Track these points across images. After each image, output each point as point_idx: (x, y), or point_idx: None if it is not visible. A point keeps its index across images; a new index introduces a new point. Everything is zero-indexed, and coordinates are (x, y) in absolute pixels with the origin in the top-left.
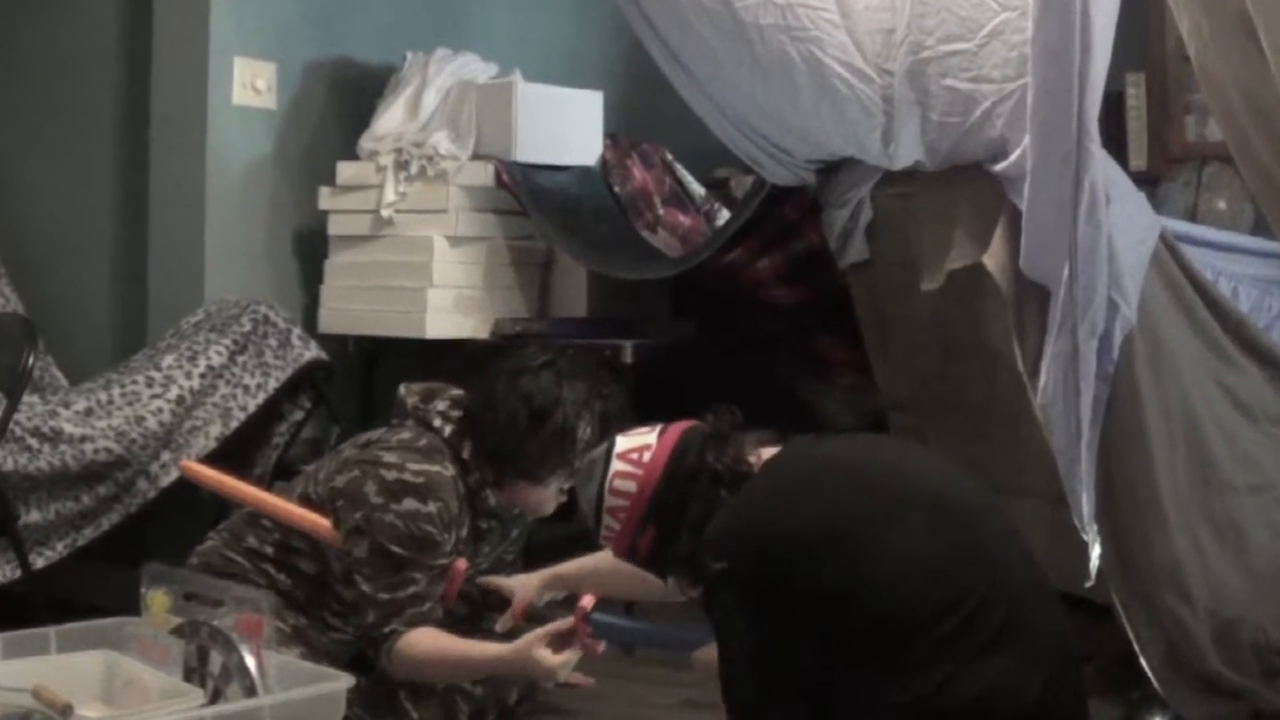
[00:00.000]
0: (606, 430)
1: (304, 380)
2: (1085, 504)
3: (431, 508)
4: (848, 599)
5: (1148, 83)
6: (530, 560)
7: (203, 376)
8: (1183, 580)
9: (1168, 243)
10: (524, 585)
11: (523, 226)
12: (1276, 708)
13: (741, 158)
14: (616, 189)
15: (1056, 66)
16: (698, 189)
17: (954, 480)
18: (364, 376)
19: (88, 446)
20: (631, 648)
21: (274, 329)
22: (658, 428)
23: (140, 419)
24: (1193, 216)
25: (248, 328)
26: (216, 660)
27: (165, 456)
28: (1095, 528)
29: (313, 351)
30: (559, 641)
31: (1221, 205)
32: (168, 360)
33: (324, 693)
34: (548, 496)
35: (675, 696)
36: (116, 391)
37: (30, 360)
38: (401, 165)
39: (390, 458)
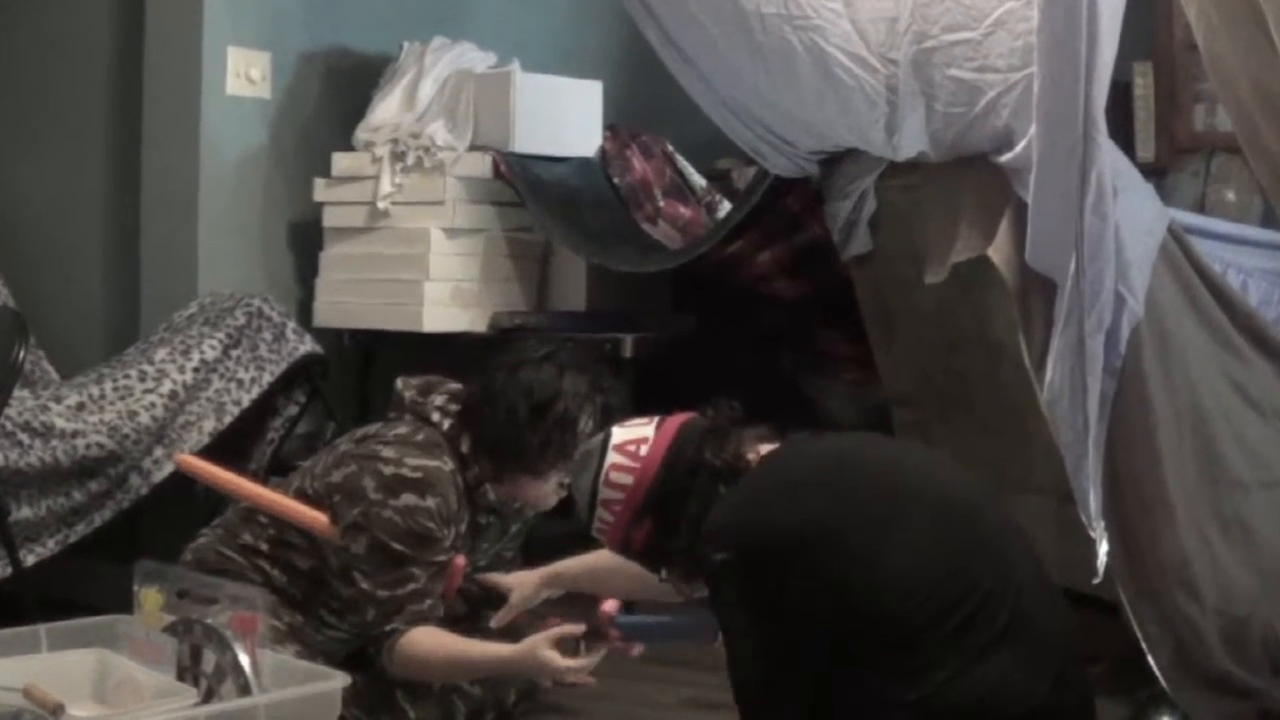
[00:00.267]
0: (608, 423)
1: (299, 374)
2: (1092, 500)
3: (430, 503)
4: (849, 594)
5: (1155, 72)
6: (530, 557)
7: (196, 371)
8: (1191, 578)
9: (1176, 235)
10: (521, 583)
11: (521, 218)
12: None
13: (743, 148)
14: (616, 180)
15: (1062, 56)
16: (698, 180)
17: (956, 479)
18: (360, 371)
19: (79, 442)
20: (659, 642)
21: (268, 322)
22: (655, 420)
23: (133, 414)
24: (1201, 208)
25: (242, 321)
26: (210, 659)
27: (158, 452)
28: (1102, 524)
29: (307, 345)
30: (565, 644)
31: (1230, 196)
32: (160, 354)
33: (319, 692)
34: (548, 491)
35: (676, 696)
36: (109, 386)
37: (21, 354)
38: (398, 156)
39: (388, 452)
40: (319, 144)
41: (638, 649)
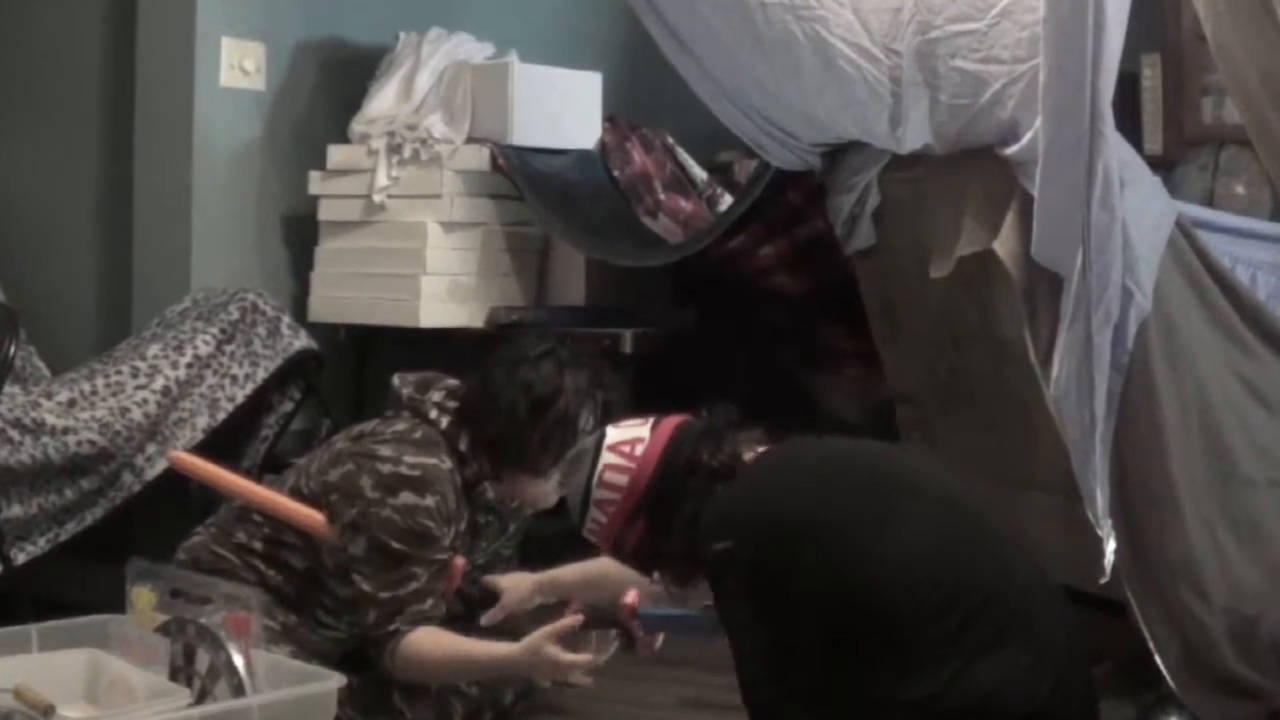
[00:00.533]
0: (608, 420)
1: (293, 370)
2: (1099, 498)
3: (429, 501)
4: (848, 585)
5: (1163, 63)
6: (528, 555)
7: (189, 366)
8: (1199, 577)
9: (1184, 229)
10: (515, 586)
11: (519, 212)
12: None
13: (745, 141)
14: (616, 173)
15: (1069, 47)
16: (699, 173)
17: (956, 481)
18: (355, 366)
19: (70, 438)
20: (680, 634)
21: (262, 317)
22: (649, 421)
23: (125, 410)
24: (1209, 201)
25: (235, 316)
26: (203, 659)
27: (150, 449)
28: (1109, 523)
29: (302, 341)
30: (568, 640)
31: (1239, 190)
32: (153, 350)
33: (314, 692)
34: (548, 490)
35: (675, 696)
36: (100, 382)
37: (11, 350)
38: (394, 149)
39: (385, 450)
40: (314, 136)
41: (658, 642)
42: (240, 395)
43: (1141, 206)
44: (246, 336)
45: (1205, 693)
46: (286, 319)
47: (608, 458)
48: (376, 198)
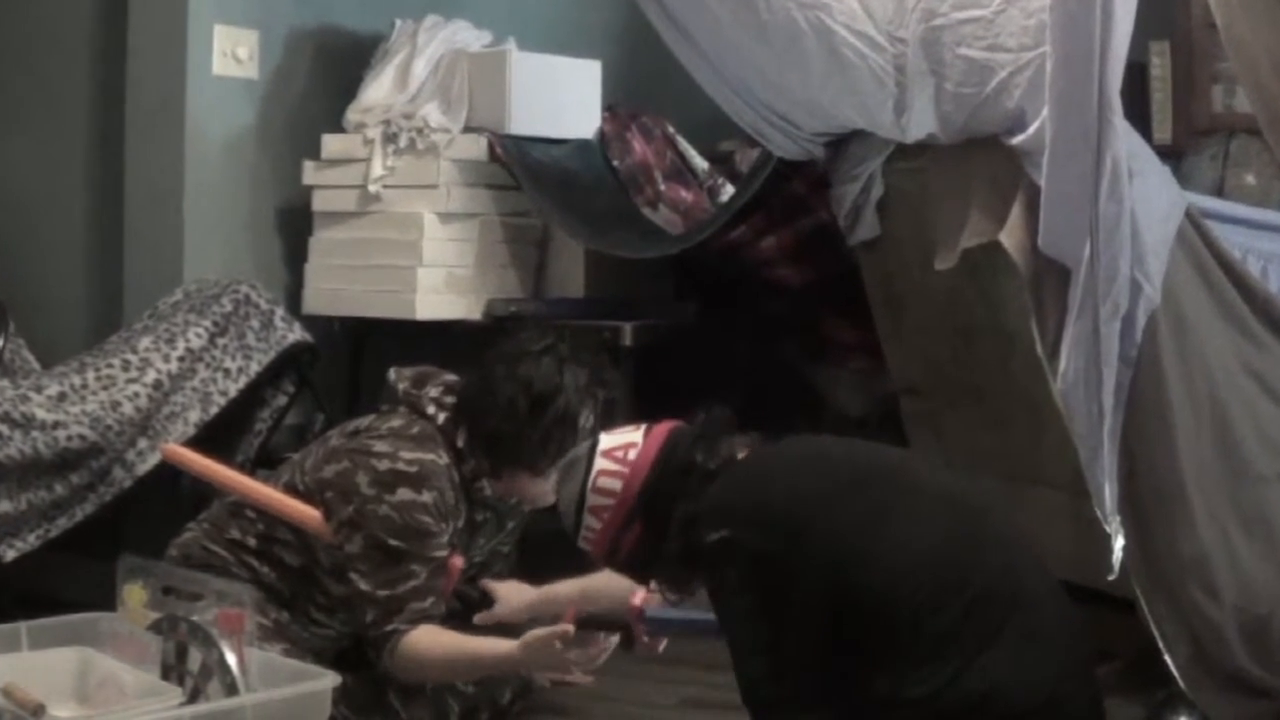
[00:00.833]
0: (609, 418)
1: (287, 364)
2: (1107, 494)
3: (426, 498)
4: (846, 580)
5: (1173, 51)
6: (526, 554)
7: (181, 360)
8: (1209, 574)
9: (1193, 219)
10: (511, 597)
11: (517, 202)
12: None
13: (746, 130)
14: (615, 163)
15: (1076, 35)
16: (700, 163)
17: (954, 479)
18: (350, 360)
19: (61, 433)
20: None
21: (256, 310)
22: (642, 427)
23: (116, 404)
24: (1220, 191)
25: (228, 308)
26: (196, 657)
27: (142, 443)
28: (1118, 519)
29: (296, 334)
30: (570, 642)
31: (1250, 180)
32: (144, 343)
33: (309, 691)
34: (547, 488)
35: (675, 696)
36: (91, 375)
37: (0, 342)
38: (390, 138)
39: (381, 446)
40: (308, 125)
41: (662, 646)
42: (233, 389)
43: (1150, 197)
44: (239, 329)
45: (1215, 691)
46: (280, 311)
47: (601, 464)
48: (372, 188)
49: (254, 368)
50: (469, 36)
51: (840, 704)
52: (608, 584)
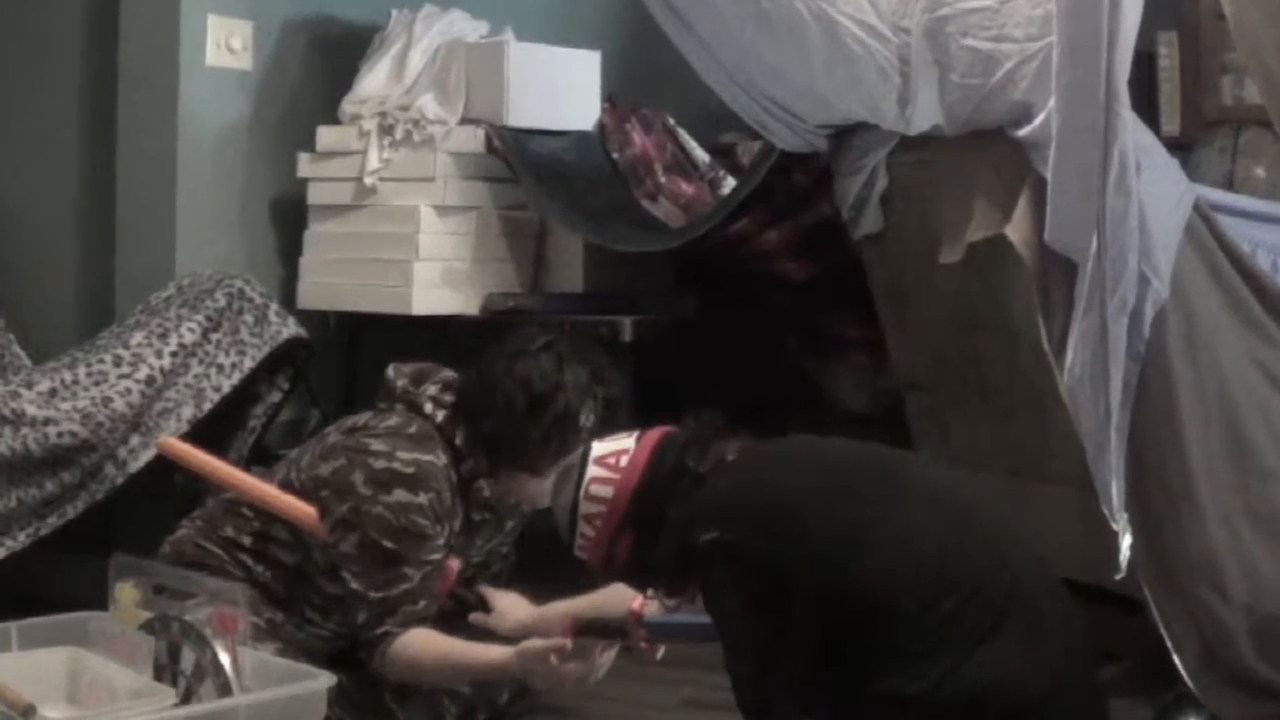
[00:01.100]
0: (609, 418)
1: (282, 359)
2: (1114, 491)
3: (423, 499)
4: (837, 576)
5: (1181, 42)
6: (525, 553)
7: (174, 355)
8: (1218, 573)
9: (1202, 213)
10: (507, 612)
11: (515, 195)
12: None
13: (748, 122)
14: (615, 155)
15: (1083, 25)
16: (701, 155)
17: (949, 474)
18: (346, 355)
19: (51, 430)
20: (686, 642)
21: (250, 304)
22: (635, 433)
23: (107, 400)
24: (1229, 185)
25: (222, 303)
26: (189, 657)
27: (134, 440)
28: (1125, 517)
29: (291, 329)
30: (566, 656)
31: (1259, 172)
32: (136, 338)
33: (303, 692)
34: (545, 490)
35: (676, 696)
36: (82, 371)
37: None
38: (386, 130)
39: (378, 445)
40: (303, 117)
41: (660, 651)
42: (227, 385)
43: (1158, 190)
44: (233, 324)
45: (1224, 692)
46: (274, 306)
47: (593, 471)
48: (367, 180)
49: (248, 363)
50: (466, 26)
51: (836, 704)
52: (605, 603)
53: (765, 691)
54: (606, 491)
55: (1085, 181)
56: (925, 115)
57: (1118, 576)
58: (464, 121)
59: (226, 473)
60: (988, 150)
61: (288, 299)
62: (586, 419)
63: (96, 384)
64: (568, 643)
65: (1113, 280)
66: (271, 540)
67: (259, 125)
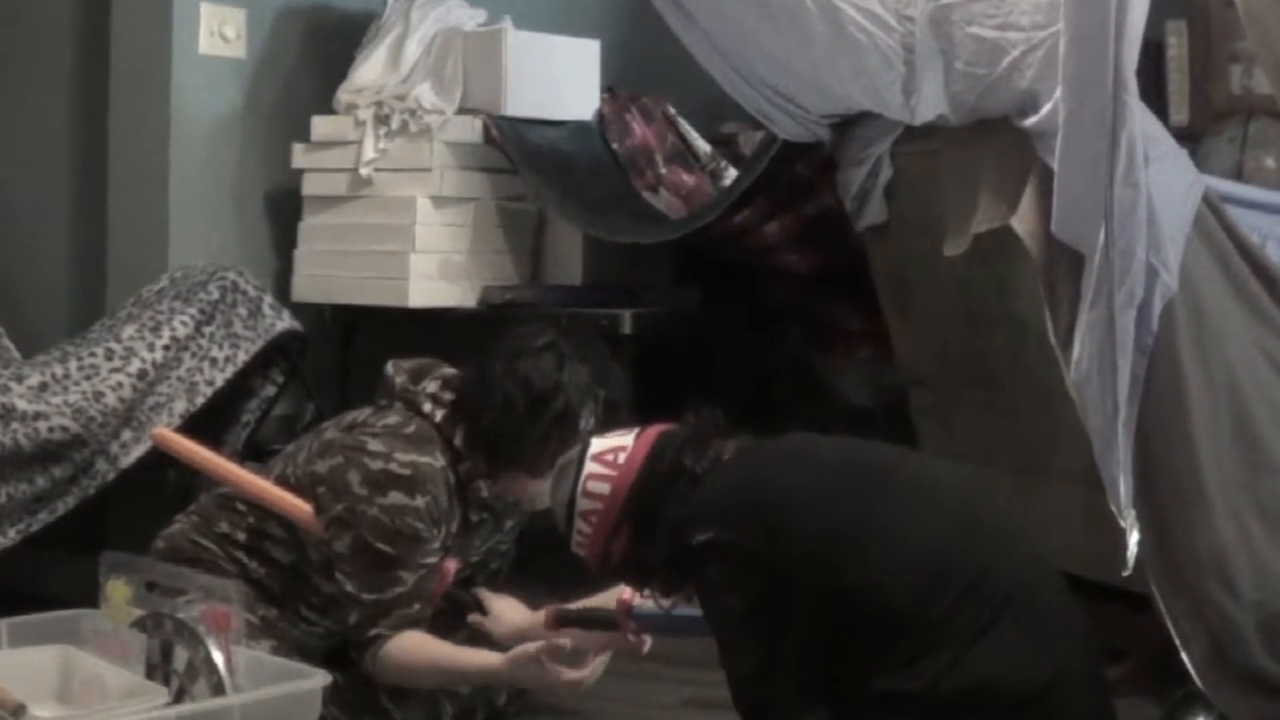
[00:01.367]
0: (610, 419)
1: (276, 353)
2: (1122, 487)
3: (419, 502)
4: (834, 573)
5: (1190, 30)
6: (524, 550)
7: (166, 349)
8: (1228, 570)
9: (1211, 204)
10: (503, 616)
11: (513, 186)
12: None
13: (750, 112)
14: (615, 146)
15: (1091, 13)
16: (702, 146)
17: (947, 469)
18: (341, 348)
19: (42, 424)
20: (676, 636)
21: (243, 297)
22: (634, 430)
23: (99, 394)
24: (1238, 175)
25: (215, 296)
26: (181, 656)
27: (126, 435)
28: (1133, 513)
29: (285, 322)
30: (559, 658)
31: (1270, 163)
32: (128, 331)
33: (298, 691)
34: (544, 491)
35: (676, 696)
36: (73, 365)
37: None
38: (382, 120)
39: (376, 445)
40: (298, 107)
41: (647, 647)
42: (220, 379)
43: (1167, 181)
44: (226, 317)
45: (1233, 690)
46: (268, 299)
47: (591, 468)
48: (363, 171)
49: (241, 357)
50: (463, 15)
51: (834, 703)
52: (607, 604)
53: (763, 692)
54: (603, 488)
55: (1092, 172)
56: (930, 105)
57: (1125, 573)
58: (461, 111)
59: (222, 467)
60: (993, 140)
61: (282, 291)
62: (587, 420)
63: (88, 378)
64: (563, 644)
65: (1120, 272)
66: (266, 537)
67: (253, 115)
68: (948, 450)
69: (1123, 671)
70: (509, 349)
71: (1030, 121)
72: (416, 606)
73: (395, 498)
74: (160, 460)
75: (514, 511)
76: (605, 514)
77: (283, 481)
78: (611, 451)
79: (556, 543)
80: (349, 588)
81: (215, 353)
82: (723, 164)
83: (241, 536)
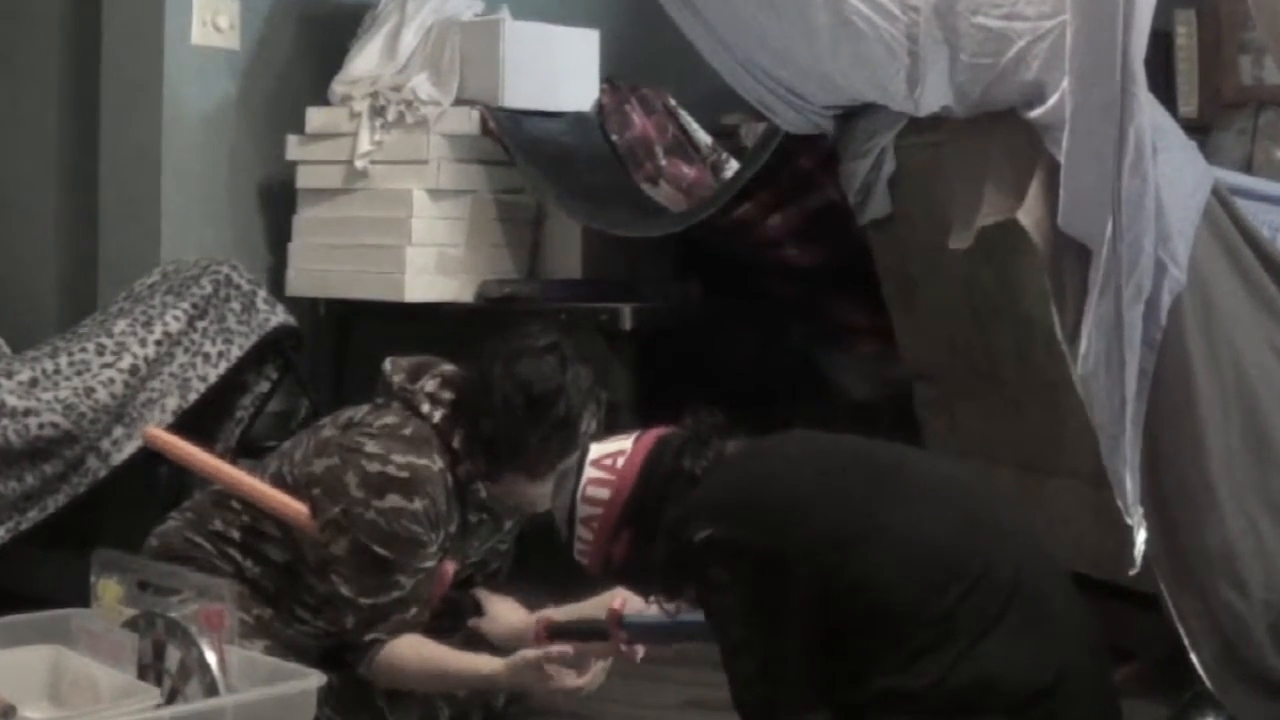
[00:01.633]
0: (611, 422)
1: (270, 348)
2: (1129, 484)
3: (417, 505)
4: (838, 572)
5: (1199, 20)
6: (524, 549)
7: (158, 344)
8: (1237, 568)
9: (1221, 197)
10: (500, 618)
11: (511, 179)
12: None
13: (752, 103)
14: (614, 137)
15: (1098, 2)
16: (703, 137)
17: (949, 466)
18: (336, 344)
19: (32, 421)
20: (668, 643)
21: (237, 291)
22: (633, 434)
23: (90, 390)
24: (1248, 167)
25: (208, 290)
26: (174, 656)
27: (117, 432)
28: (1140, 510)
29: (280, 316)
30: (567, 662)
31: None
32: (120, 326)
33: (292, 691)
34: (544, 494)
35: (677, 696)
36: (64, 360)
37: None
38: (377, 111)
39: (373, 447)
40: (292, 98)
41: (641, 653)
42: (213, 375)
43: (1175, 173)
44: (220, 312)
45: (1243, 691)
46: (262, 293)
47: (590, 473)
48: (359, 164)
49: (235, 352)
50: (460, 4)
51: (837, 703)
52: (600, 612)
53: (765, 691)
54: (603, 493)
55: (1100, 164)
56: (934, 96)
57: (1132, 572)
58: (458, 102)
59: (215, 466)
60: (999, 132)
61: (276, 286)
62: (588, 424)
63: (78, 373)
64: (566, 650)
65: (1128, 266)
66: (261, 535)
67: (246, 106)
68: (952, 446)
69: (1130, 672)
70: (510, 350)
71: (1036, 113)
72: (413, 611)
73: (393, 500)
74: (152, 457)
75: (513, 512)
76: (605, 519)
77: (278, 480)
78: (610, 456)
79: (555, 544)
80: (345, 591)
81: (208, 348)
82: (724, 156)
83: (236, 534)
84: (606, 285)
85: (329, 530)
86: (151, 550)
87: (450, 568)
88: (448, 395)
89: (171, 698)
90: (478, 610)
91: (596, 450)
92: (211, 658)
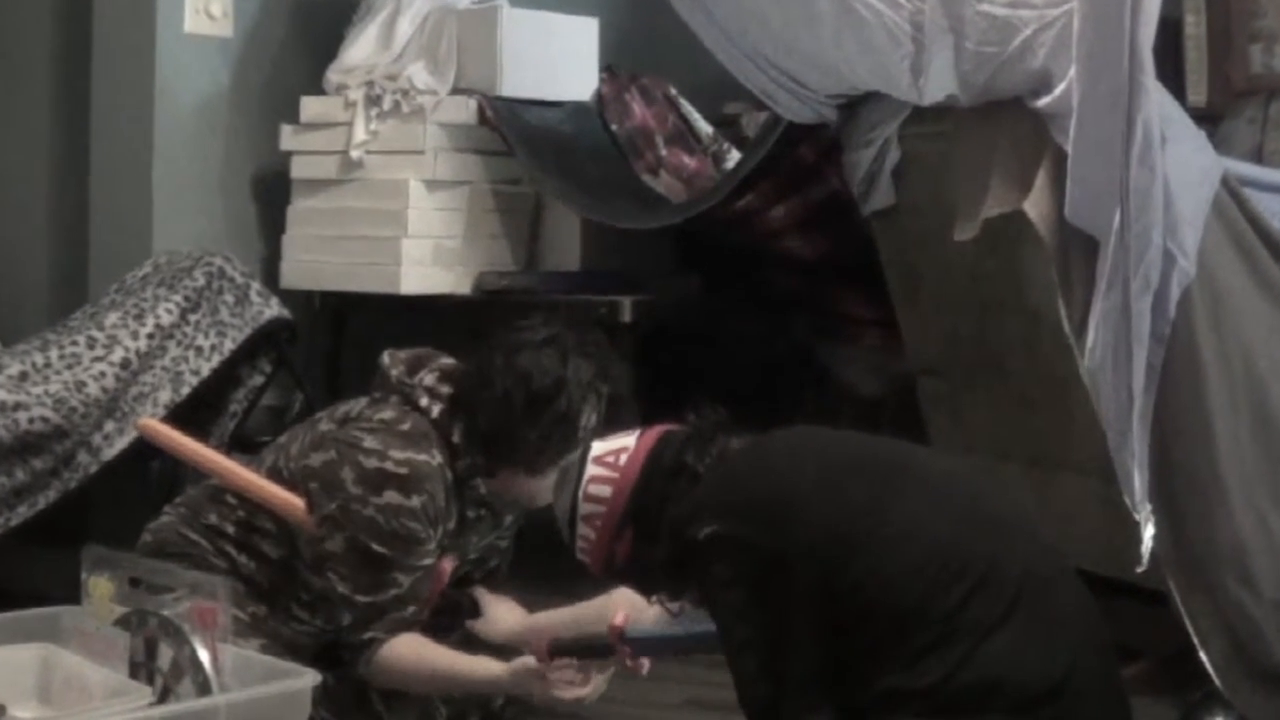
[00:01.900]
0: (612, 417)
1: (264, 341)
2: (1137, 480)
3: (415, 502)
4: (843, 569)
5: (1208, 8)
6: (522, 546)
7: (150, 337)
8: (1247, 565)
9: (1230, 187)
10: (498, 618)
11: (509, 169)
12: None
13: (754, 92)
14: (614, 127)
15: None
16: (704, 127)
17: (955, 463)
18: (331, 337)
19: (22, 415)
20: (672, 655)
21: (230, 284)
22: (635, 431)
23: (81, 384)
24: (1259, 158)
25: (201, 282)
26: (166, 654)
27: (109, 426)
28: (1149, 507)
29: (273, 309)
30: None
31: None
32: (111, 319)
33: (287, 690)
34: (544, 489)
35: (679, 696)
36: (54, 354)
37: None
38: (373, 100)
39: (370, 442)
40: (286, 87)
41: (646, 669)
42: (206, 368)
43: (1184, 163)
44: (213, 304)
45: (1253, 690)
46: (256, 285)
47: (592, 470)
48: (354, 154)
49: (228, 345)
50: None
51: (841, 701)
52: (600, 615)
53: (769, 689)
54: (605, 491)
55: (1107, 155)
56: (939, 84)
57: (1140, 569)
58: (455, 91)
59: (210, 458)
60: (1005, 122)
61: (270, 278)
62: (588, 418)
63: (69, 367)
64: (573, 663)
65: (1136, 258)
66: (256, 531)
67: (240, 95)
68: (957, 441)
69: (1139, 671)
70: (509, 343)
71: (1043, 102)
72: (411, 609)
73: (390, 497)
74: (144, 452)
75: (512, 508)
76: (608, 516)
77: (274, 473)
78: (612, 454)
79: (555, 541)
80: (341, 589)
81: (201, 341)
82: (725, 146)
83: (230, 530)
84: (606, 277)
85: (325, 526)
86: (146, 546)
87: (448, 565)
88: (446, 389)
89: (164, 697)
90: (475, 611)
91: (598, 448)
92: (204, 656)
